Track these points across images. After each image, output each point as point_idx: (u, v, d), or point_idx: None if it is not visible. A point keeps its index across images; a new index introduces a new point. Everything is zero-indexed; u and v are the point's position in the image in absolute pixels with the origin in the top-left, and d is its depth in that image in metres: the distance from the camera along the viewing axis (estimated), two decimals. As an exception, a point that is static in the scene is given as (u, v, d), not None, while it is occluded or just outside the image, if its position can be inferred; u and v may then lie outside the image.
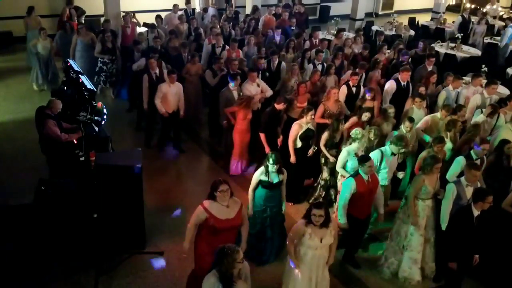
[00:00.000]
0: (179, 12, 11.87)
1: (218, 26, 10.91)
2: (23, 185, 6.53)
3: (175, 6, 12.01)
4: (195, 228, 4.49)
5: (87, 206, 5.17)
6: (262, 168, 5.38)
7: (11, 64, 12.01)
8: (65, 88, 7.48)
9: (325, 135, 6.48)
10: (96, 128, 6.41)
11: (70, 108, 6.68)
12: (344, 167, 5.95)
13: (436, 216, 5.41)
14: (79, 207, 5.32)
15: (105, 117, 6.67)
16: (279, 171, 5.36)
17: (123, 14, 11.50)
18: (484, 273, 5.45)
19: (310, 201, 6.83)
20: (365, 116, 6.65)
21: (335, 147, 6.48)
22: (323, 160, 6.59)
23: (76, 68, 7.61)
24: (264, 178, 5.34)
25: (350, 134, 6.03)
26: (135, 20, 11.72)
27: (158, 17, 11.26)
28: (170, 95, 7.68)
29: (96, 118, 6.40)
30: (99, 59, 9.93)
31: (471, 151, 5.78)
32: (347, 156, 5.90)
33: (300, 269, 4.51)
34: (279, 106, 6.86)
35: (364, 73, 8.74)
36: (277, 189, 5.45)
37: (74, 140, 6.17)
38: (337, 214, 5.34)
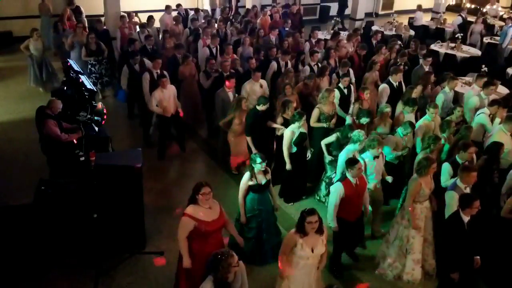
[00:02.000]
0: (173, 13, 11.83)
1: (215, 26, 10.90)
2: (23, 185, 6.53)
3: (167, 7, 11.96)
4: (187, 241, 4.41)
5: (87, 206, 5.17)
6: (248, 174, 5.37)
7: (11, 64, 12.01)
8: (65, 88, 7.48)
9: (332, 139, 6.47)
10: (96, 128, 6.40)
11: (70, 108, 6.68)
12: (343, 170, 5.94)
13: (434, 216, 5.43)
14: (79, 207, 5.32)
15: (105, 117, 6.68)
16: (265, 171, 5.38)
17: (122, 15, 11.47)
18: (484, 274, 5.45)
19: (317, 198, 6.88)
20: (364, 120, 6.65)
21: (339, 149, 6.42)
22: (327, 160, 6.59)
23: (76, 68, 7.60)
24: (252, 182, 5.35)
25: (352, 135, 6.02)
26: (136, 20, 11.69)
27: (150, 18, 11.20)
28: (165, 100, 7.58)
29: (96, 118, 6.40)
30: (88, 62, 9.87)
31: (457, 156, 5.69)
32: (346, 158, 5.88)
33: (289, 279, 4.46)
34: (261, 108, 6.84)
35: (351, 71, 8.78)
36: (266, 190, 5.48)
37: (74, 140, 6.17)
38: (328, 219, 5.29)
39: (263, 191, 5.45)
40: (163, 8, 12.21)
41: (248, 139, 6.92)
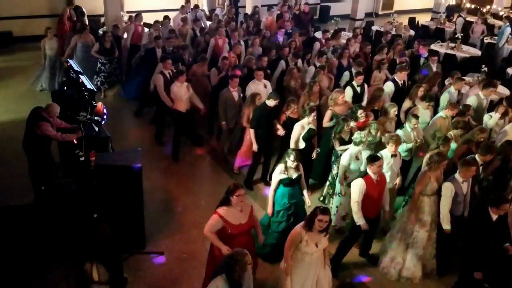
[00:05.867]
0: (184, 14, 11.91)
1: (224, 27, 10.94)
2: (23, 185, 6.53)
3: (182, 7, 12.10)
4: (214, 234, 4.44)
5: (87, 206, 5.17)
6: (280, 167, 5.46)
7: (11, 64, 12.00)
8: (65, 88, 7.49)
9: (335, 137, 6.51)
10: (96, 128, 6.41)
11: (70, 108, 6.68)
12: (347, 171, 5.98)
13: (438, 213, 5.44)
14: (79, 207, 5.32)
15: (105, 117, 6.68)
16: (297, 166, 5.46)
17: (132, 14, 11.51)
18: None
19: (320, 198, 6.92)
20: (360, 114, 6.64)
21: (345, 144, 6.47)
22: (333, 158, 6.62)
23: (76, 68, 7.61)
24: (283, 176, 5.43)
25: (352, 138, 6.05)
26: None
27: (166, 17, 11.28)
28: (183, 94, 7.69)
29: (96, 118, 6.41)
30: (98, 60, 9.95)
31: (476, 156, 5.77)
32: (349, 160, 5.95)
33: (292, 276, 4.49)
34: (270, 103, 6.86)
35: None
36: (296, 184, 5.56)
37: (74, 140, 6.16)
38: (353, 217, 5.35)
39: (294, 185, 5.52)
40: (167, 8, 12.27)
41: (251, 131, 6.93)
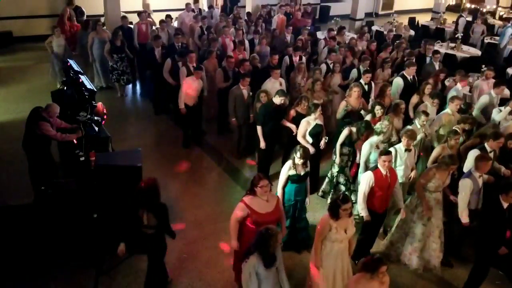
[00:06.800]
0: (190, 12, 11.99)
1: (231, 26, 10.96)
2: (23, 185, 6.53)
3: (187, 5, 12.15)
4: (238, 225, 4.61)
5: (87, 206, 5.16)
6: (289, 163, 5.49)
7: (11, 64, 12.02)
8: (65, 88, 7.48)
9: (344, 133, 6.49)
10: (96, 128, 6.41)
11: (70, 108, 6.68)
12: (367, 160, 6.00)
13: (445, 210, 5.52)
14: (79, 207, 5.32)
15: (105, 117, 6.69)
16: (304, 164, 5.49)
17: (140, 11, 11.53)
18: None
19: (319, 194, 6.98)
20: (377, 110, 6.71)
21: (350, 145, 6.50)
22: (334, 156, 6.64)
23: (76, 68, 7.62)
24: (292, 172, 5.47)
25: (374, 128, 6.09)
26: (150, 19, 11.77)
27: (168, 16, 11.32)
28: (193, 89, 7.82)
29: (96, 118, 6.41)
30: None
31: (485, 144, 5.86)
32: (370, 149, 5.98)
33: (323, 268, 4.61)
34: (276, 100, 6.89)
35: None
36: (303, 181, 5.60)
37: (74, 140, 6.16)
38: (358, 208, 5.42)
39: (301, 182, 5.57)
40: (171, 8, 12.30)
41: (258, 128, 6.96)
